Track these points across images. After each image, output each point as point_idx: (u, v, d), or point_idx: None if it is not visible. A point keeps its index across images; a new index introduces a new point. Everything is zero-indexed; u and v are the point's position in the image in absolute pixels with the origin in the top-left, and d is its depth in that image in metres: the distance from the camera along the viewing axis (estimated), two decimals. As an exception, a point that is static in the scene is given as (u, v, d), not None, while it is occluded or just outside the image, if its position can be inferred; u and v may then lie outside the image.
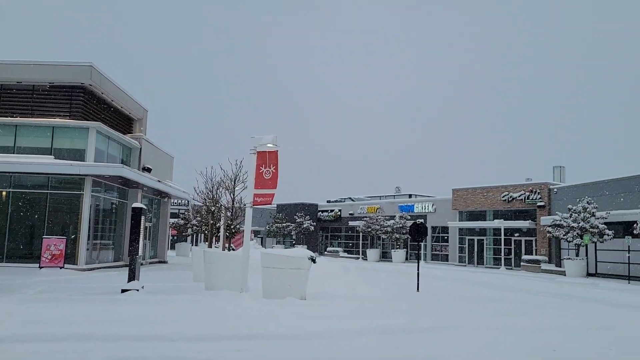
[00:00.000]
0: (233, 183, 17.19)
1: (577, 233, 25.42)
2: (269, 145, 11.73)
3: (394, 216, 40.91)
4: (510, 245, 34.56)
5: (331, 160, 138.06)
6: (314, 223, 49.55)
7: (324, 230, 51.52)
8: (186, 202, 42.58)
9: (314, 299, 11.07)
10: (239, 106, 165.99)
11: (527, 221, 33.07)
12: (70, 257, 18.53)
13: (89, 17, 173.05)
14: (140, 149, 24.21)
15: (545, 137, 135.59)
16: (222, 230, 17.21)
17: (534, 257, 31.28)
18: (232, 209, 17.56)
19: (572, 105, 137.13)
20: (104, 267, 20.22)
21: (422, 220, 15.89)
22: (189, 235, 41.04)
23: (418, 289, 14.72)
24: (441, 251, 40.08)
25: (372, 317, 9.13)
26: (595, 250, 27.38)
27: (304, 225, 47.78)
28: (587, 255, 27.30)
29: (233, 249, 19.20)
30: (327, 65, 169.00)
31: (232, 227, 18.50)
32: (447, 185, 36.39)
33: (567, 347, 7.15)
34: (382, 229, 40.04)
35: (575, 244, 26.00)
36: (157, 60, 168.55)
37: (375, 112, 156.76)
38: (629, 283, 22.42)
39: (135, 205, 11.70)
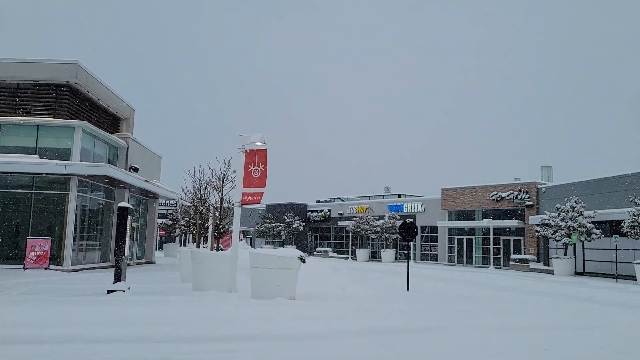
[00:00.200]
0: (221, 182, 16.98)
1: (565, 232, 25.54)
2: (257, 143, 11.57)
3: (384, 216, 40.89)
4: (499, 245, 34.69)
5: (325, 161, 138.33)
6: (304, 223, 49.39)
7: (314, 231, 51.38)
8: (174, 202, 42.23)
9: (304, 299, 10.95)
10: (237, 105, 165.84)
11: (516, 220, 33.19)
12: (55, 258, 18.23)
13: (89, 17, 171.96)
14: (127, 148, 23.92)
15: (532, 137, 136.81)
16: (210, 230, 17.00)
17: (522, 256, 31.41)
18: (221, 209, 17.36)
19: (563, 106, 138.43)
20: (91, 268, 19.93)
21: (412, 220, 15.84)
22: (177, 236, 40.68)
23: (408, 288, 14.65)
24: (430, 251, 40.12)
25: (363, 318, 9.03)
26: (583, 249, 27.54)
27: (293, 226, 47.60)
28: (575, 254, 27.44)
29: (222, 250, 19.00)
30: (325, 66, 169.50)
31: (220, 227, 18.29)
32: (436, 185, 36.55)
33: (559, 346, 7.10)
34: (371, 228, 39.99)
35: (564, 243, 26.13)
36: (157, 60, 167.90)
37: (375, 112, 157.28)
38: (616, 281, 22.56)
39: (121, 204, 11.49)
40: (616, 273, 23.66)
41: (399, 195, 47.35)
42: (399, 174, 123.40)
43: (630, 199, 22.68)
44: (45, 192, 19.12)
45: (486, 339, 7.45)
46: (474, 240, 36.59)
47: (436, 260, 38.98)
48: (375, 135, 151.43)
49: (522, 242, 33.37)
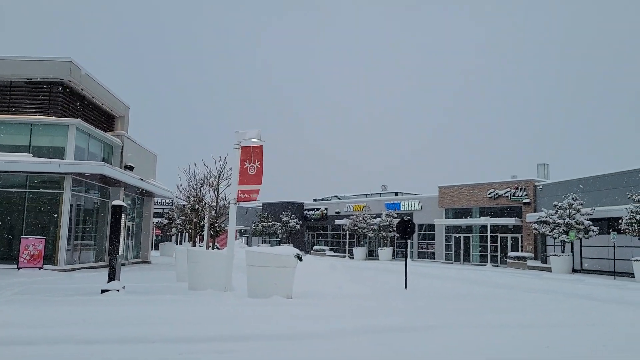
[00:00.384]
0: (217, 180, 16.84)
1: (563, 229, 25.49)
2: (253, 139, 11.42)
3: (381, 214, 40.80)
4: (497, 243, 34.65)
5: (325, 161, 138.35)
6: (300, 222, 49.26)
7: (310, 229, 51.26)
8: (170, 201, 42.02)
9: (301, 298, 10.82)
10: (237, 105, 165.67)
11: (513, 218, 33.16)
12: (49, 257, 18.05)
13: (88, 17, 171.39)
14: (122, 146, 23.72)
15: (532, 137, 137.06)
16: (206, 228, 16.86)
17: (520, 253, 31.39)
18: (217, 207, 17.22)
19: (563, 106, 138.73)
20: (85, 268, 19.75)
21: (409, 218, 15.74)
22: (173, 235, 40.46)
23: (406, 286, 14.54)
24: (428, 249, 40.06)
25: (362, 316, 8.91)
26: (581, 246, 27.50)
27: (290, 224, 47.46)
28: (572, 251, 27.42)
29: (218, 248, 18.87)
30: (325, 66, 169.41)
31: (216, 225, 18.16)
32: (436, 185, 36.48)
33: (560, 344, 6.99)
34: (368, 227, 39.90)
35: (561, 241, 26.08)
36: (157, 59, 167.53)
37: (374, 112, 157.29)
38: (614, 279, 22.52)
39: (115, 202, 11.33)
40: (614, 270, 23.61)
41: (396, 194, 47.25)
42: (399, 174, 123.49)
43: (628, 196, 22.64)
44: (39, 191, 18.93)
45: (486, 337, 7.34)
46: (471, 238, 36.55)
47: (433, 258, 38.92)
48: (375, 135, 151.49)
49: (520, 239, 33.34)
